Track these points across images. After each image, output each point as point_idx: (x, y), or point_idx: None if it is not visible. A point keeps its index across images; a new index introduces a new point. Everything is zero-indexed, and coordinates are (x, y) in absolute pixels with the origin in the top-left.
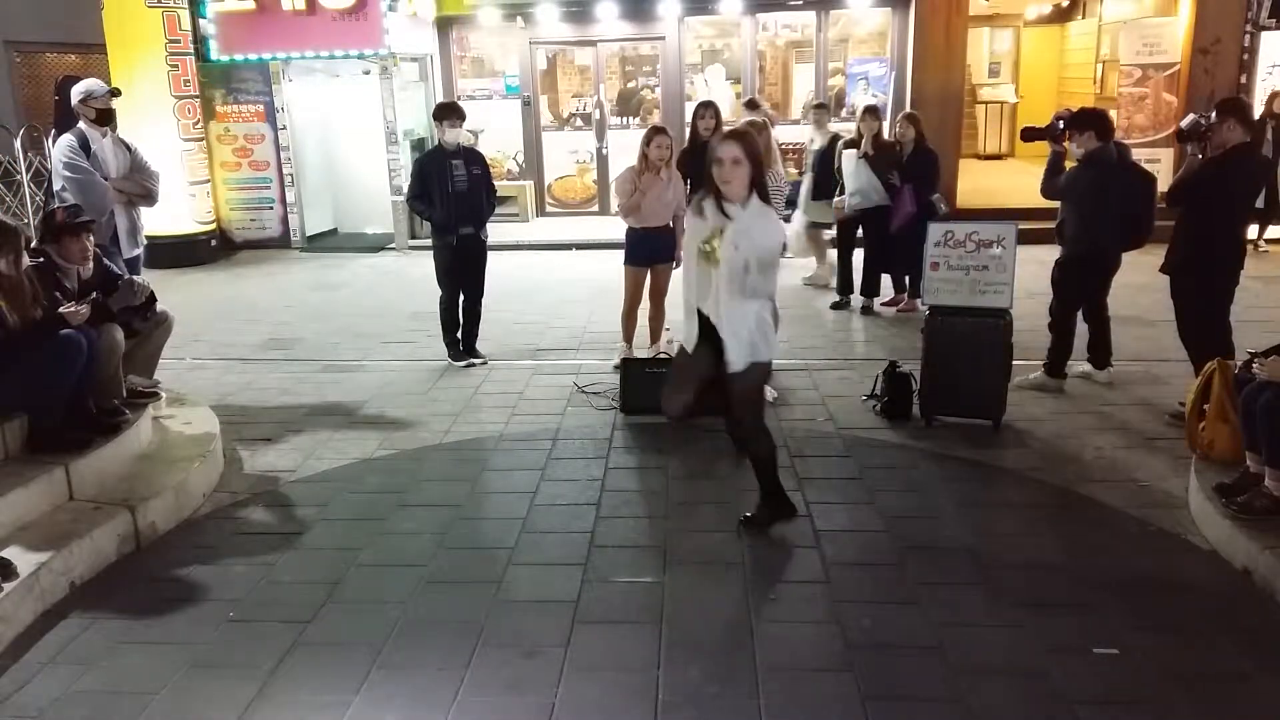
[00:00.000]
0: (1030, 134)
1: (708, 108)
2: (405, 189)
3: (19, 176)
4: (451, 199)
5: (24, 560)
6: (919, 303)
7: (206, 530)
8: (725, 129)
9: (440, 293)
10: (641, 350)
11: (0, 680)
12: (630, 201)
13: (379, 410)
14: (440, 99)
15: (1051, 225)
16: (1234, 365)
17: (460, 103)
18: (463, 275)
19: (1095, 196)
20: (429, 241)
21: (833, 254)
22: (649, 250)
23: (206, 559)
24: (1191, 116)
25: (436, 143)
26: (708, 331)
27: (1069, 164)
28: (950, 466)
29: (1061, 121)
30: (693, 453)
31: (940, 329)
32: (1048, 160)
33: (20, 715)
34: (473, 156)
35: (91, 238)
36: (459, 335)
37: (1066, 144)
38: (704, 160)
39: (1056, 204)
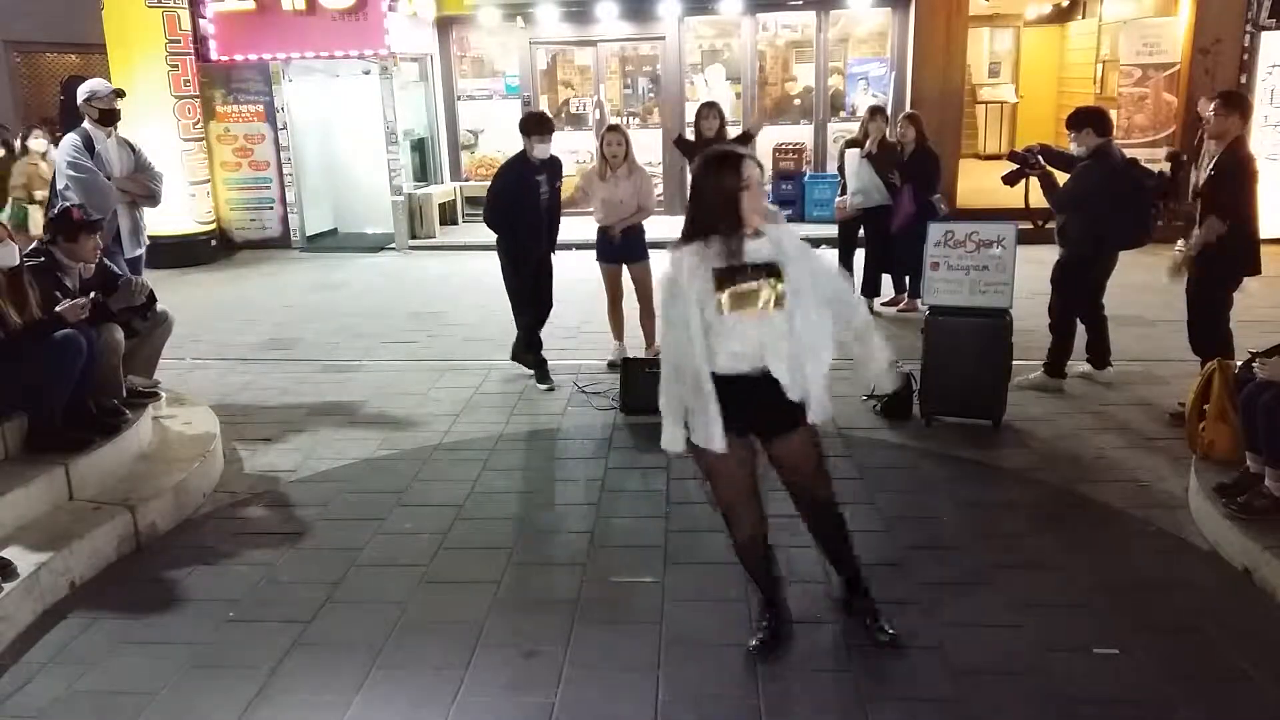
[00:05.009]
0: (1013, 178)
1: (711, 108)
2: (482, 210)
3: None
4: (537, 219)
5: (24, 560)
6: (919, 303)
7: (206, 530)
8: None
9: (519, 319)
10: (635, 353)
11: (0, 680)
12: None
13: (379, 410)
14: (440, 99)
15: (1050, 225)
16: (1234, 365)
17: (549, 117)
18: (535, 294)
19: (1102, 196)
20: (429, 241)
21: None
22: (614, 248)
23: (206, 559)
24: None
25: (518, 154)
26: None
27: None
28: (950, 466)
29: (1028, 153)
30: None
31: (940, 329)
32: (1040, 187)
33: (20, 715)
34: (554, 169)
35: (99, 236)
36: (543, 355)
37: (1066, 152)
38: None
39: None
